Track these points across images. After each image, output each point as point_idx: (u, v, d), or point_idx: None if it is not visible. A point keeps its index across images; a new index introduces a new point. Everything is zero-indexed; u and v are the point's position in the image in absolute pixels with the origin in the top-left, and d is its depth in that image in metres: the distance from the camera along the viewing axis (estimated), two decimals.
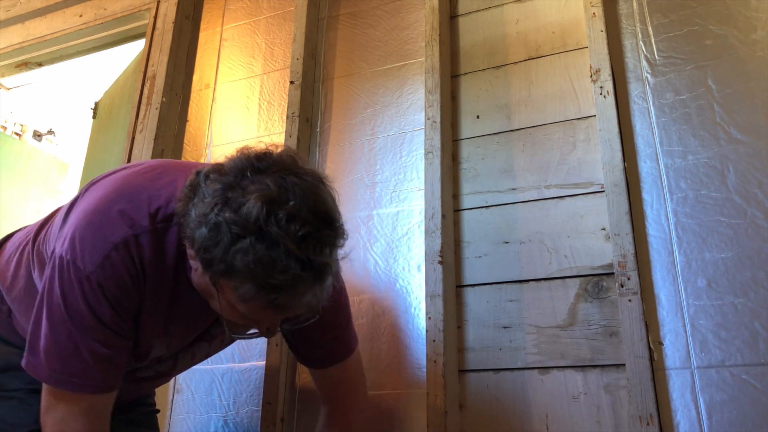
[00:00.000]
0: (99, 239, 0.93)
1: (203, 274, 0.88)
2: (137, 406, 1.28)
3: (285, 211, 0.81)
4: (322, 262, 0.84)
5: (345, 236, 0.90)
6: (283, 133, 1.82)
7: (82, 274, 0.91)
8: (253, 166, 0.86)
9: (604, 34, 1.48)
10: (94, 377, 0.94)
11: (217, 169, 0.89)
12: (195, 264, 0.90)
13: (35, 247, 1.08)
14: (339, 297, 1.15)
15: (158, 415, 1.37)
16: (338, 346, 1.21)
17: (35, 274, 1.06)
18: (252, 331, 0.99)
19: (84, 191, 1.06)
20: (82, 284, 0.92)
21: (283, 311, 0.88)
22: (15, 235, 1.22)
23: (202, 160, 1.97)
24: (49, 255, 0.98)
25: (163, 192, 0.98)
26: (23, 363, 0.96)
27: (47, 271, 0.96)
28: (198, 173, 0.91)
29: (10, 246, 1.18)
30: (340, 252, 0.90)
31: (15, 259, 1.13)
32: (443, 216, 1.48)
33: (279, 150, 0.91)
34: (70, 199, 1.09)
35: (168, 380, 1.26)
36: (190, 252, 0.90)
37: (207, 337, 1.13)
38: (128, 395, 1.15)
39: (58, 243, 0.96)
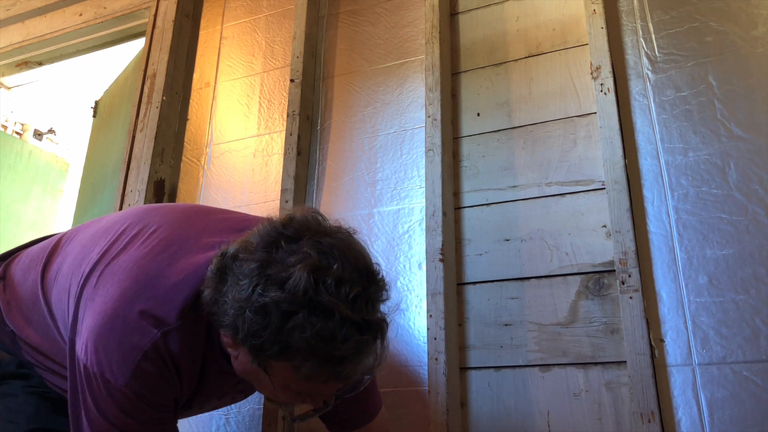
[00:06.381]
0: (125, 349, 0.86)
1: (252, 361, 0.82)
2: None
3: (332, 277, 0.78)
4: (378, 319, 0.81)
5: (388, 287, 0.86)
6: (284, 131, 1.82)
7: (114, 388, 0.86)
8: (283, 235, 0.82)
9: (604, 31, 1.48)
10: None
11: (245, 246, 0.84)
12: (236, 352, 0.86)
13: (44, 292, 1.03)
14: None
15: None
16: (365, 407, 1.14)
17: (50, 323, 1.01)
18: (309, 410, 0.93)
19: (98, 270, 0.96)
20: (115, 397, 0.87)
21: (346, 380, 0.84)
22: (17, 261, 1.13)
23: (202, 159, 1.97)
24: (69, 352, 0.92)
25: (184, 280, 0.91)
26: None
27: (75, 376, 0.91)
28: (223, 255, 0.85)
29: (18, 276, 1.10)
30: (389, 304, 0.86)
31: (29, 296, 1.05)
32: (444, 214, 1.48)
33: (302, 212, 0.87)
34: (85, 268, 0.98)
35: None
36: (227, 340, 0.86)
37: (218, 394, 1.08)
38: None
39: (79, 343, 0.90)
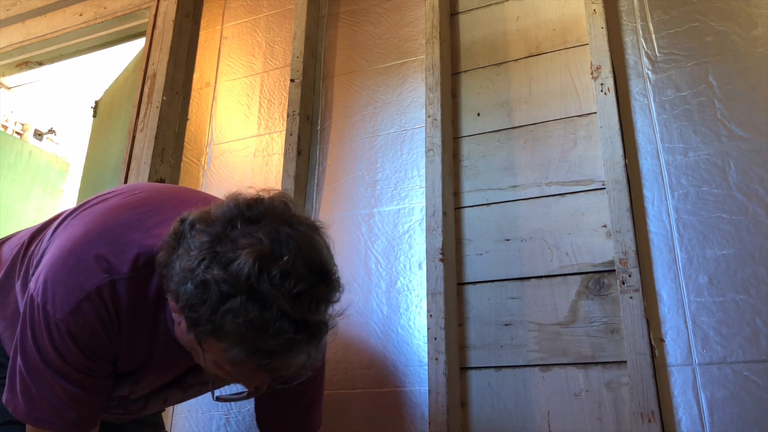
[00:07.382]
0: (72, 285, 0.87)
1: (188, 332, 0.82)
2: None
3: (279, 268, 0.75)
4: (318, 321, 0.79)
5: (341, 290, 0.84)
6: (284, 131, 1.82)
7: (51, 320, 0.86)
8: (243, 215, 0.80)
9: (604, 31, 1.48)
10: (71, 418, 0.90)
11: (204, 217, 0.82)
12: (178, 318, 0.84)
13: (25, 260, 1.02)
14: (318, 369, 1.07)
15: (161, 413, 1.37)
16: (303, 423, 1.13)
17: (19, 293, 1.00)
18: (239, 391, 0.92)
19: (74, 214, 0.99)
20: (51, 330, 0.86)
21: (274, 373, 0.82)
22: (9, 241, 1.14)
23: (202, 159, 1.97)
24: (28, 288, 0.92)
25: (149, 235, 0.91)
26: (3, 399, 0.92)
27: (22, 308, 0.91)
28: (183, 221, 0.84)
29: (5, 255, 1.11)
30: (336, 307, 0.84)
31: (4, 272, 1.06)
32: (444, 213, 1.48)
33: (271, 195, 0.85)
34: (67, 211, 1.03)
35: (138, 417, 1.18)
36: (172, 305, 0.85)
37: (182, 385, 1.06)
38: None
39: (34, 278, 0.91)
